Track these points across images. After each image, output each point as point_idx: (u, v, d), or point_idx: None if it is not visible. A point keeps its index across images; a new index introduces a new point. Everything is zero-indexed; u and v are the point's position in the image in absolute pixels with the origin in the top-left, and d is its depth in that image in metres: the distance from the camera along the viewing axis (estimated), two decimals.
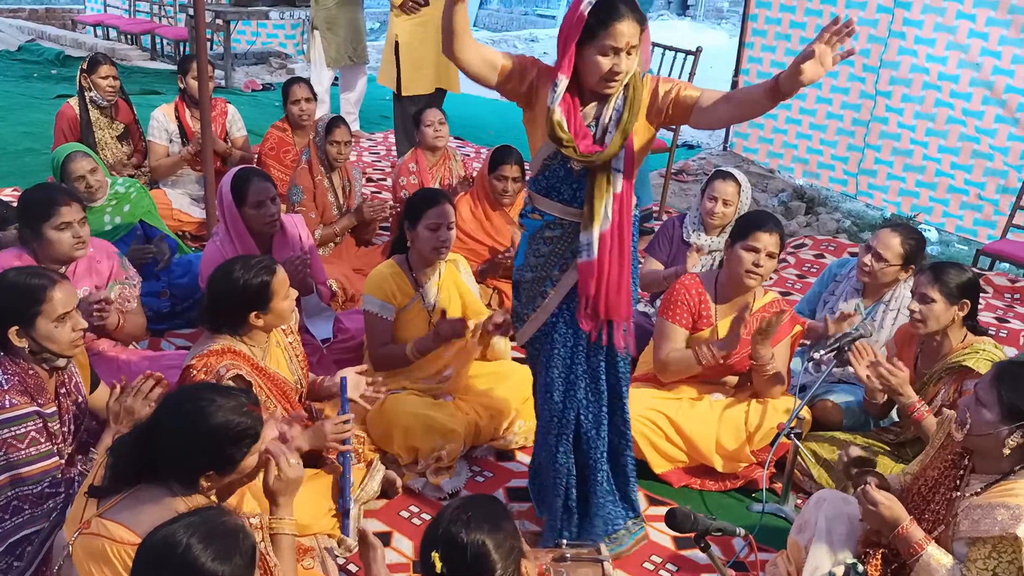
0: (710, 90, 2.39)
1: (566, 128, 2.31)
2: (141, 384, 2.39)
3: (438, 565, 1.65)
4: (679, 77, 6.15)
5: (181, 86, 5.01)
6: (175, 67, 9.78)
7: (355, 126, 7.44)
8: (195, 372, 2.50)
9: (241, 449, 1.95)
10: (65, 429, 2.43)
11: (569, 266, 2.48)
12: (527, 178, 2.54)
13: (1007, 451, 2.07)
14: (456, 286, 3.35)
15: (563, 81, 2.30)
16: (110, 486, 1.88)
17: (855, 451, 2.45)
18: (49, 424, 2.35)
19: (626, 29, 2.22)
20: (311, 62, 7.44)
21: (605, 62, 2.26)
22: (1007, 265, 5.44)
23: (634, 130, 2.37)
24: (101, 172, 4.01)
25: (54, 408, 2.39)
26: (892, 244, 3.32)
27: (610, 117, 2.37)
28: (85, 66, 4.87)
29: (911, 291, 2.98)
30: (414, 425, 3.03)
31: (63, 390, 2.45)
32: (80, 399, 2.52)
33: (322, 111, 6.88)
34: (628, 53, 2.27)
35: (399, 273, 3.24)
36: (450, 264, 3.36)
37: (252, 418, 1.96)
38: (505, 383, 3.33)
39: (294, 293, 2.70)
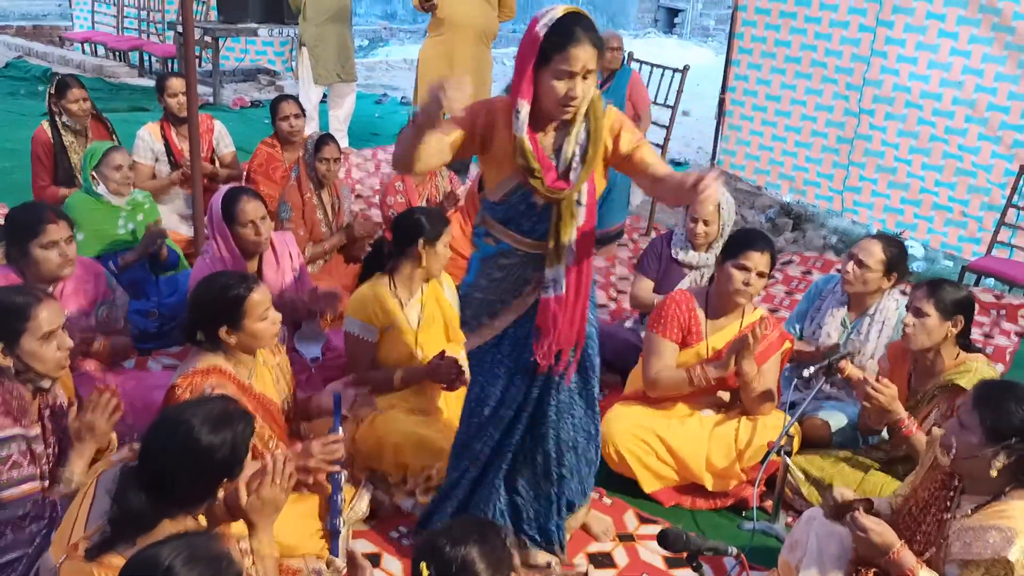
0: (661, 163, 2.40)
1: (535, 157, 2.27)
2: (97, 398, 2.35)
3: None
4: (667, 94, 6.20)
5: (162, 105, 5.00)
6: None
7: (344, 143, 7.44)
8: (180, 392, 2.48)
9: (244, 447, 1.94)
10: (50, 451, 2.40)
11: (522, 293, 2.46)
12: (483, 200, 2.52)
13: (994, 472, 2.07)
14: (439, 304, 3.35)
15: (524, 107, 2.25)
16: (119, 537, 1.82)
17: (840, 493, 2.35)
18: (33, 447, 2.32)
19: (581, 54, 2.17)
20: (299, 79, 7.45)
21: (560, 86, 2.21)
22: (992, 281, 5.49)
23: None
24: (132, 173, 4.19)
25: (38, 431, 2.35)
26: (874, 251, 3.35)
27: (573, 151, 2.32)
28: (53, 90, 4.69)
29: (906, 305, 2.99)
30: (404, 443, 3.01)
31: (47, 412, 2.42)
32: (65, 421, 2.48)
33: (311, 128, 6.90)
34: (584, 77, 2.22)
35: (382, 293, 3.22)
36: (433, 282, 3.36)
37: (240, 415, 1.96)
38: None
39: (276, 316, 2.68)
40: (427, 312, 3.29)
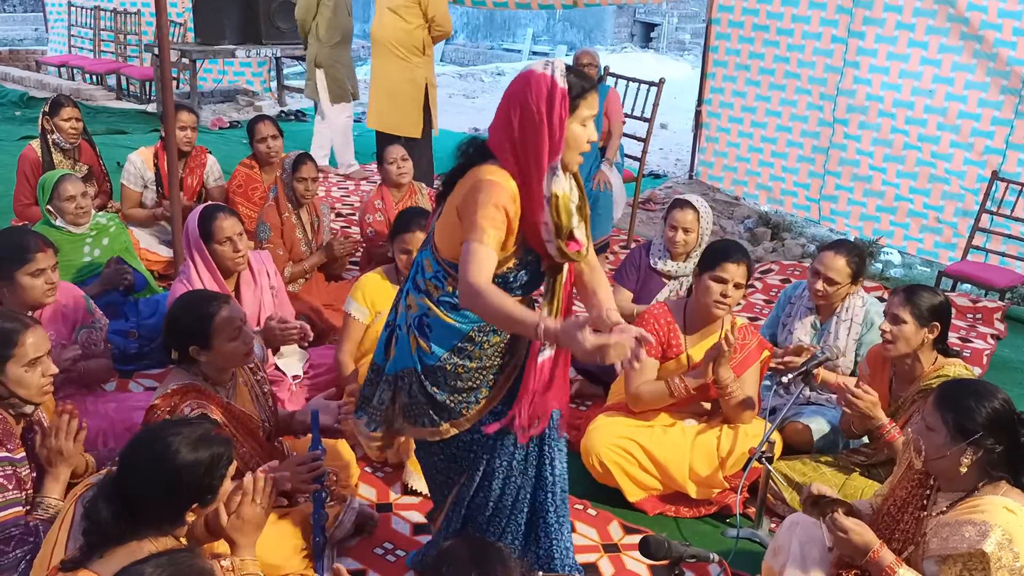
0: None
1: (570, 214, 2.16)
2: (59, 422, 2.33)
3: None
4: (644, 107, 6.26)
5: (162, 134, 4.97)
6: (141, 106, 9.78)
7: (323, 161, 7.46)
8: (159, 412, 2.47)
9: (219, 474, 1.94)
10: (34, 475, 2.39)
11: (514, 352, 2.32)
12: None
13: (963, 469, 2.12)
14: None
15: (557, 163, 2.10)
16: (91, 550, 1.81)
17: (816, 489, 2.38)
18: (18, 470, 2.31)
19: (594, 98, 2.16)
20: (318, 100, 7.33)
21: (583, 133, 2.16)
22: (968, 286, 5.57)
23: None
24: (89, 199, 4.10)
25: (23, 454, 2.35)
26: (839, 266, 3.38)
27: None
28: (47, 108, 4.79)
29: (884, 312, 3.03)
30: None
31: (31, 435, 2.41)
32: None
33: (346, 150, 7.40)
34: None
35: (380, 279, 3.38)
36: None
37: (221, 440, 1.96)
38: None
39: (248, 337, 2.67)
40: None
